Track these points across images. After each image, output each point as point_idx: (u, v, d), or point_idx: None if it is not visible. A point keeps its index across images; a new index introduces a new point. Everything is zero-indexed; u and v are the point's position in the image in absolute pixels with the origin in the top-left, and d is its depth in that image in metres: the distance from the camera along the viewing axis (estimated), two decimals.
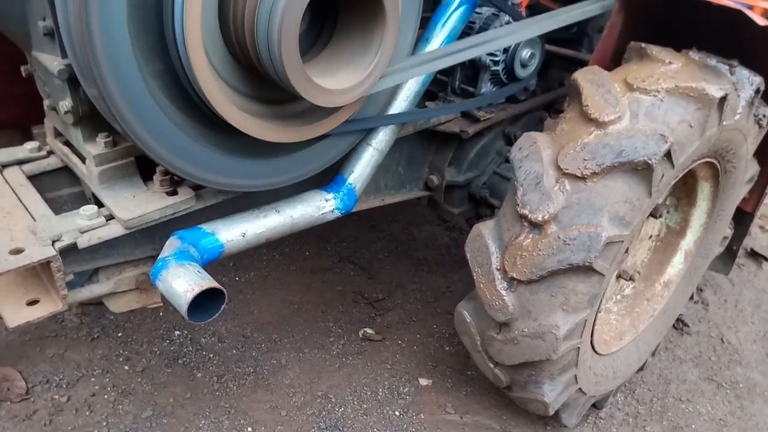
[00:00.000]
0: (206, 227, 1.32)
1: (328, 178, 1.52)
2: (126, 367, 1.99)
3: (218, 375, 1.99)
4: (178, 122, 1.17)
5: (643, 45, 1.47)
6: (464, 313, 1.58)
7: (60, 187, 1.49)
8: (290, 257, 2.52)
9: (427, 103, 1.77)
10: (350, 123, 1.35)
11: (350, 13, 1.17)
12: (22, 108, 1.75)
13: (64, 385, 1.91)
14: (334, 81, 1.13)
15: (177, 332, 2.13)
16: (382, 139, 1.51)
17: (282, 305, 2.29)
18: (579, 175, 1.31)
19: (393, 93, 1.48)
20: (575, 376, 1.58)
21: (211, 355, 2.06)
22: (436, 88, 1.82)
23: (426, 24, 1.54)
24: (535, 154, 1.37)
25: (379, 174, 1.70)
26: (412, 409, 1.92)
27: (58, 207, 1.47)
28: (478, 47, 1.42)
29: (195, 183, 1.29)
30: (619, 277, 1.80)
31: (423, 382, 2.02)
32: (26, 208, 1.28)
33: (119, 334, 2.11)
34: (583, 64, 1.96)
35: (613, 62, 1.59)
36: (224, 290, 1.16)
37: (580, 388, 1.64)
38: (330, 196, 1.47)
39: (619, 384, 1.88)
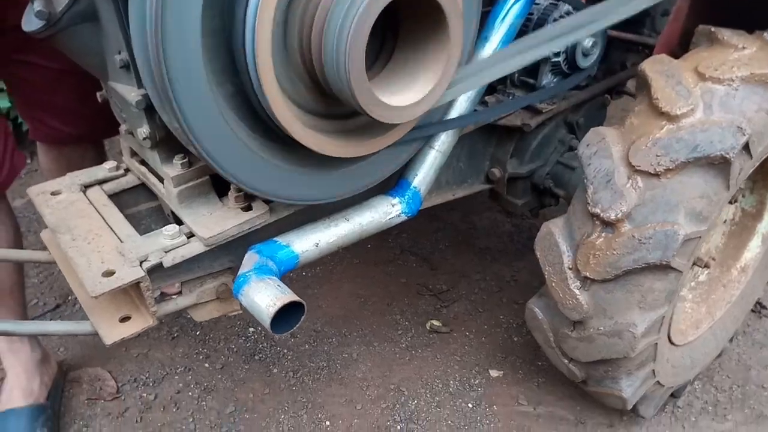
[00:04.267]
0: (281, 240, 1.36)
1: (393, 182, 1.54)
2: (206, 365, 2.09)
3: (293, 370, 2.06)
4: (248, 142, 1.20)
5: (713, 29, 1.40)
6: (535, 310, 1.58)
7: (138, 203, 1.55)
8: (353, 251, 2.56)
9: (486, 98, 1.75)
10: (414, 131, 1.35)
11: (412, 26, 1.16)
12: (91, 122, 1.82)
13: (151, 384, 2.02)
14: (400, 97, 1.13)
15: (251, 329, 2.22)
16: (444, 140, 1.50)
17: (349, 299, 2.34)
18: (652, 172, 1.27)
19: None
20: (653, 370, 1.56)
21: (285, 351, 2.13)
22: (495, 82, 1.79)
23: (484, 20, 1.52)
24: (605, 150, 1.34)
25: (441, 171, 1.69)
26: (485, 401, 1.94)
27: (137, 222, 1.54)
28: (546, 45, 1.38)
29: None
30: (693, 264, 1.76)
31: (494, 373, 2.03)
32: (112, 229, 1.35)
33: (197, 333, 2.20)
34: (646, 46, 1.90)
35: (681, 47, 1.53)
36: (304, 303, 1.19)
37: (658, 381, 1.62)
38: (396, 200, 1.49)
39: (697, 373, 1.84)
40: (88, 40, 1.20)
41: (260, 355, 2.12)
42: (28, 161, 3.12)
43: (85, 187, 1.52)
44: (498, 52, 1.46)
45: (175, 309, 1.38)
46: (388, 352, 2.11)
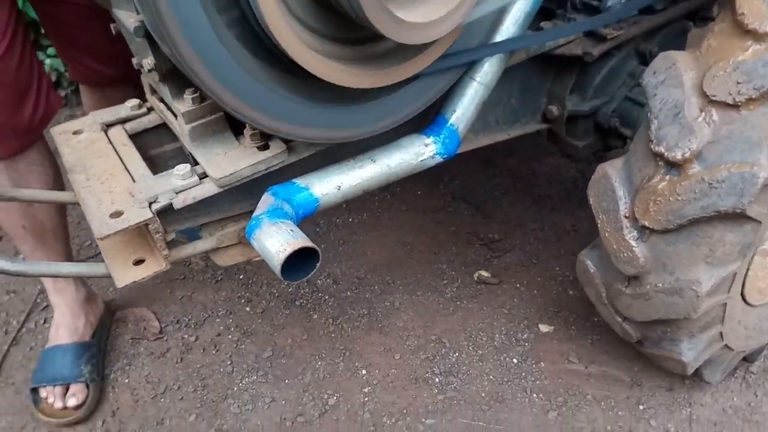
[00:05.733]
0: (300, 181, 1.25)
1: (429, 118, 1.39)
2: (247, 309, 2.06)
3: (333, 317, 2.00)
4: (257, 73, 1.09)
5: None
6: (587, 263, 1.41)
7: (162, 144, 1.48)
8: (401, 197, 2.44)
9: (542, 24, 1.54)
10: (447, 58, 1.19)
11: None
12: (126, 62, 1.77)
13: (193, 326, 2.02)
14: (420, 12, 0.97)
15: None
16: (487, 71, 1.32)
17: (395, 246, 2.24)
18: (731, 103, 1.06)
19: (498, 16, 1.29)
20: (720, 333, 1.37)
21: (327, 297, 2.07)
22: (552, 4, 1.57)
23: None
24: (675, 78, 1.13)
25: (489, 109, 1.52)
26: (532, 357, 1.81)
27: (163, 163, 1.47)
28: None
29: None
30: None
31: (543, 328, 1.89)
32: (127, 169, 1.28)
33: (241, 277, 2.17)
34: None
35: None
36: (318, 249, 1.09)
37: (726, 345, 1.44)
38: (430, 140, 1.34)
39: None
40: None
41: (301, 301, 2.07)
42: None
43: (107, 126, 1.46)
44: None
45: (192, 253, 1.32)
46: (432, 302, 2.01)
